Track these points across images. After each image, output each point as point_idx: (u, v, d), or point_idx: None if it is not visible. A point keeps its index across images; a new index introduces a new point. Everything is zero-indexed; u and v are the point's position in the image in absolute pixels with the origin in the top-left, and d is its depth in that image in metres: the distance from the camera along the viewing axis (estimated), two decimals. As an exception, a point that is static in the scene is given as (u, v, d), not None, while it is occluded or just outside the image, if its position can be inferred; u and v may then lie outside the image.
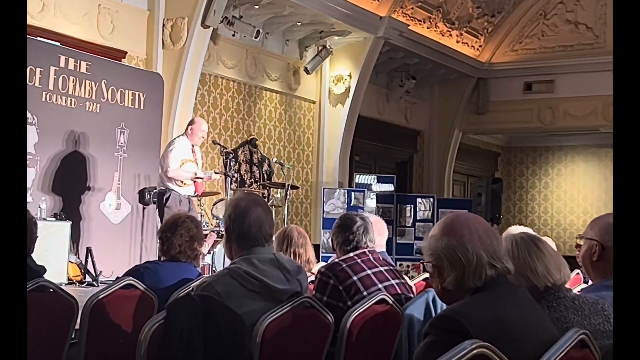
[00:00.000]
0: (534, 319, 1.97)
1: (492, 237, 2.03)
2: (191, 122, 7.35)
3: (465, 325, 1.83)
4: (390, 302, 3.05)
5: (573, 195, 15.55)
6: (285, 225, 8.29)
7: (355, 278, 3.21)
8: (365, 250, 3.39)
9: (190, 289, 3.15)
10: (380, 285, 3.24)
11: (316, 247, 8.95)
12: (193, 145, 7.26)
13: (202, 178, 7.23)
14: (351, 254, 3.35)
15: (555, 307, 2.28)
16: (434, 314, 3.02)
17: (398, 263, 10.41)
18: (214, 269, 7.73)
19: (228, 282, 2.65)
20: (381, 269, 3.35)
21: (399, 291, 3.30)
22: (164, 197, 7.04)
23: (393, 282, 3.33)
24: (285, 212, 8.48)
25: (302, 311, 2.73)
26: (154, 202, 7.21)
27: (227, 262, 2.85)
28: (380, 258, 3.45)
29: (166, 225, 3.65)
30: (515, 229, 4.13)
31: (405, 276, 3.76)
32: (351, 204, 10.05)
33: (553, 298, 2.32)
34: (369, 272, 3.28)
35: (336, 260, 3.36)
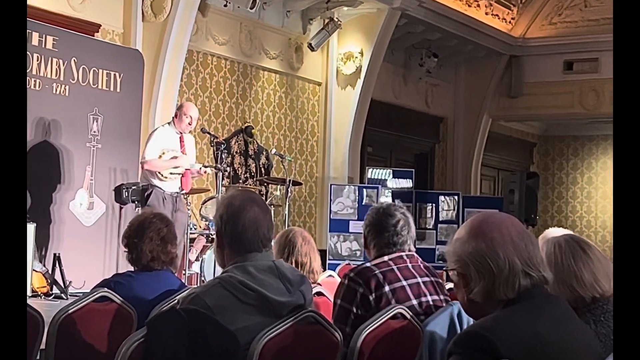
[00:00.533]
0: (576, 336, 1.96)
1: (528, 241, 2.03)
2: (178, 107, 7.36)
3: (494, 343, 1.84)
4: (409, 316, 3.04)
5: (622, 193, 15.53)
6: (287, 227, 8.31)
7: (387, 288, 3.19)
8: (403, 254, 3.35)
9: (175, 301, 3.15)
10: (414, 302, 3.21)
11: (321, 254, 8.95)
12: (182, 135, 7.27)
13: (187, 169, 7.22)
14: (385, 258, 3.31)
15: (602, 322, 2.27)
16: (459, 331, 3.02)
17: (417, 271, 10.41)
18: (202, 279, 7.75)
19: (219, 294, 2.65)
20: (419, 280, 3.30)
21: (434, 310, 3.26)
22: (145, 195, 7.05)
23: (429, 297, 3.29)
24: (286, 212, 8.48)
25: (305, 327, 2.72)
26: (133, 201, 7.21)
27: (219, 270, 2.85)
28: (421, 266, 3.40)
29: (131, 230, 3.63)
30: (554, 232, 4.12)
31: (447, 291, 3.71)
32: (362, 203, 10.06)
33: (601, 311, 2.32)
34: (404, 282, 3.25)
35: (368, 264, 3.31)
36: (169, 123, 7.33)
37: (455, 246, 2.06)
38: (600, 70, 13.53)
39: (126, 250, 3.62)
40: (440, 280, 3.43)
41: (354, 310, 3.15)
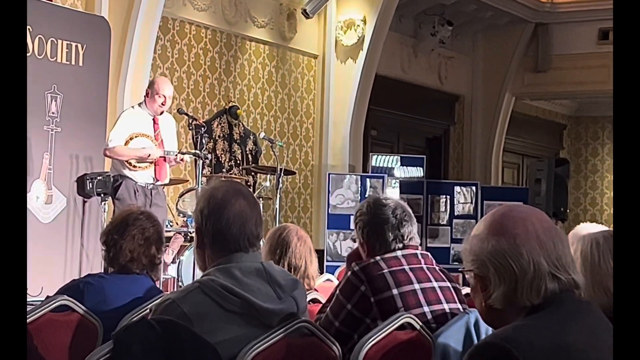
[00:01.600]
0: (610, 348, 1.97)
1: (556, 239, 2.03)
2: (150, 84, 7.32)
3: (516, 356, 1.84)
4: (418, 327, 3.05)
5: (666, 182, 15.57)
6: (277, 224, 8.33)
7: (395, 291, 3.18)
8: (417, 252, 3.33)
9: (147, 310, 3.16)
10: (426, 309, 3.20)
11: (319, 254, 8.96)
12: (156, 118, 7.24)
13: (175, 160, 7.20)
14: (398, 253, 3.29)
15: None
16: (476, 342, 3.02)
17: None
18: (180, 284, 7.76)
19: (199, 300, 2.66)
20: (435, 284, 3.29)
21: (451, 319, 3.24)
22: (114, 186, 7.04)
23: (446, 306, 3.26)
24: (277, 206, 8.49)
25: (298, 339, 2.73)
26: (98, 194, 7.21)
27: (199, 274, 2.86)
28: (437, 268, 3.38)
29: (112, 225, 3.66)
30: (587, 228, 4.13)
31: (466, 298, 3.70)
32: (366, 195, 10.05)
33: None
34: (416, 286, 3.23)
35: (377, 257, 3.27)
36: (139, 104, 7.30)
37: (473, 244, 2.06)
38: (641, 40, 13.52)
39: (104, 248, 3.65)
40: (459, 287, 3.41)
41: (348, 307, 3.15)
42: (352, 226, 3.72)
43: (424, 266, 3.33)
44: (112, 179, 7.14)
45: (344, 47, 11.51)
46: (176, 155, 7.28)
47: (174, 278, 8.02)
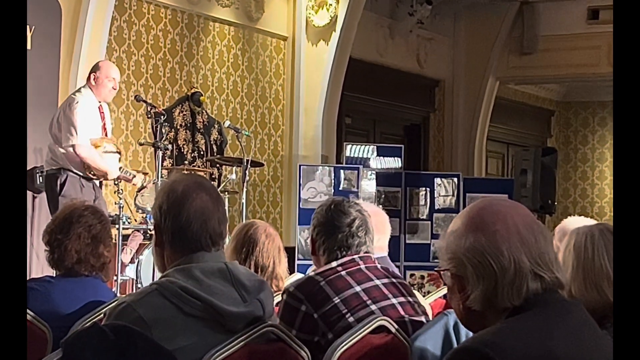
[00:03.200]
0: (597, 351, 1.99)
1: (538, 235, 2.04)
2: (94, 68, 7.24)
3: (496, 362, 1.85)
4: (394, 330, 3.06)
5: (660, 172, 15.70)
6: (244, 219, 8.31)
7: (336, 299, 3.23)
8: (355, 257, 3.40)
9: (101, 315, 3.15)
10: (373, 307, 3.25)
11: (290, 252, 8.96)
12: (100, 105, 7.20)
13: (128, 180, 7.24)
14: (333, 264, 3.36)
15: None
16: (455, 346, 3.04)
17: (408, 273, 10.45)
18: (139, 285, 7.74)
19: (156, 304, 2.65)
20: (377, 282, 3.35)
21: (404, 314, 3.31)
22: (58, 182, 6.97)
23: (394, 300, 3.33)
24: (244, 200, 8.48)
25: (265, 345, 2.73)
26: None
27: (159, 276, 2.86)
28: (378, 267, 3.45)
29: (55, 224, 3.62)
30: (576, 221, 4.17)
31: (416, 292, 3.77)
32: (340, 188, 10.06)
33: None
34: (357, 288, 3.29)
35: (312, 273, 3.36)
36: (83, 87, 7.21)
37: (449, 241, 2.07)
38: (633, 20, 13.61)
39: (47, 249, 3.61)
40: (406, 282, 3.48)
41: (294, 333, 3.15)
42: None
43: (362, 266, 3.38)
44: (52, 173, 7.03)
45: (315, 28, 11.50)
46: (131, 176, 7.33)
47: (132, 279, 7.99)
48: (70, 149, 6.94)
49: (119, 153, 7.33)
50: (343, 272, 3.32)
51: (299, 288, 3.27)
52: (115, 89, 7.20)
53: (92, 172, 7.05)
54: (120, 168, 7.28)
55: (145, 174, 7.50)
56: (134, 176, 7.46)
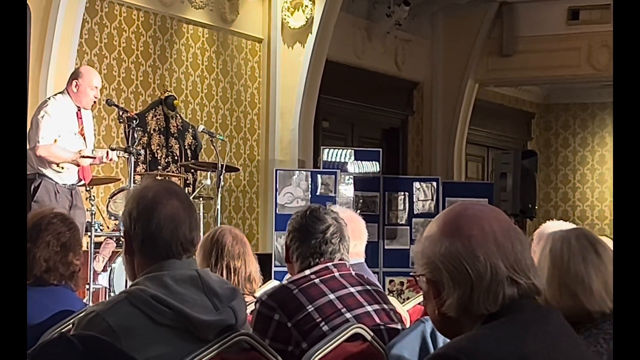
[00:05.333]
0: (574, 358, 1.99)
1: (515, 240, 2.05)
2: (75, 75, 7.26)
3: (472, 370, 1.85)
4: (369, 337, 3.06)
5: (642, 174, 15.78)
6: (219, 225, 8.29)
7: (310, 308, 3.23)
8: (329, 264, 3.40)
9: (70, 324, 3.13)
10: (348, 315, 3.24)
11: (266, 259, 8.96)
12: (80, 110, 7.19)
13: (92, 157, 7.15)
14: (307, 272, 3.36)
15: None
16: (433, 353, 3.05)
17: (387, 279, 10.46)
18: (112, 294, 7.70)
19: (126, 312, 2.65)
20: (352, 290, 3.35)
21: (379, 321, 3.31)
22: (32, 187, 6.95)
23: (369, 308, 3.33)
24: (218, 206, 8.46)
25: (237, 355, 2.72)
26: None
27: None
28: (353, 274, 3.45)
29: None
30: (555, 225, 4.18)
31: (392, 299, 3.77)
32: (317, 193, 10.07)
33: (612, 327, 2.36)
34: (331, 296, 3.29)
35: (284, 282, 3.35)
36: (61, 93, 7.23)
37: (425, 246, 2.08)
38: (612, 21, 13.68)
39: None
40: (381, 290, 3.50)
41: (267, 343, 3.16)
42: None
43: (336, 274, 3.38)
44: (28, 179, 7.01)
45: (291, 30, 11.50)
46: (106, 153, 7.24)
47: (105, 288, 7.95)
48: (31, 151, 6.93)
49: (84, 137, 7.22)
50: (317, 280, 3.33)
51: (271, 297, 3.27)
52: (96, 97, 7.22)
53: (63, 167, 7.02)
54: (94, 151, 7.21)
55: (113, 149, 7.42)
56: (107, 153, 7.34)
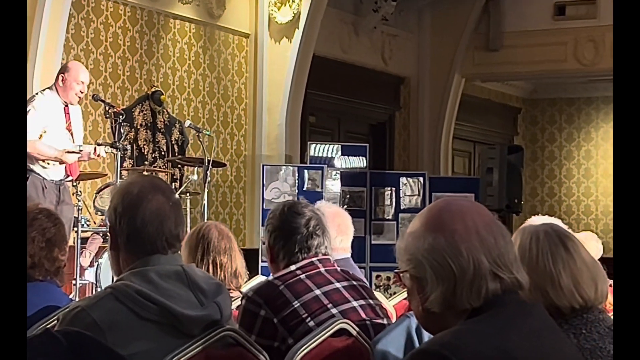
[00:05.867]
0: (556, 353, 2.00)
1: (498, 235, 2.05)
2: (63, 69, 7.24)
3: (455, 364, 1.85)
4: (355, 333, 3.06)
5: (627, 169, 15.80)
6: (206, 221, 8.28)
7: (296, 303, 3.22)
8: (314, 259, 3.39)
9: (55, 319, 3.12)
10: (334, 311, 3.24)
11: (253, 254, 8.96)
12: (67, 105, 7.16)
13: (77, 153, 7.13)
14: (292, 267, 3.35)
15: (585, 335, 2.32)
16: (418, 348, 3.05)
17: (374, 274, 10.47)
18: (99, 289, 7.69)
19: (111, 308, 2.65)
20: (337, 285, 3.35)
21: (365, 316, 3.31)
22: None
23: (355, 303, 3.33)
24: (205, 202, 8.45)
25: (222, 350, 2.71)
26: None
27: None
28: (338, 270, 3.44)
29: None
30: (540, 220, 4.18)
31: (379, 294, 3.77)
32: (304, 188, 10.07)
33: (581, 323, 2.37)
34: (317, 292, 3.28)
35: (270, 278, 3.35)
36: (49, 88, 7.21)
37: (408, 242, 2.08)
38: (599, 16, 13.72)
39: None
40: (366, 285, 3.49)
41: (253, 339, 3.15)
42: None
43: (322, 269, 3.38)
44: None
45: (278, 25, 11.49)
46: (94, 149, 7.20)
47: (92, 283, 7.94)
48: None
49: (71, 133, 7.19)
50: (302, 276, 3.32)
51: (257, 292, 3.26)
52: (82, 92, 7.18)
53: (48, 162, 7.00)
54: (81, 147, 7.17)
55: (99, 145, 7.39)
56: (95, 149, 7.29)
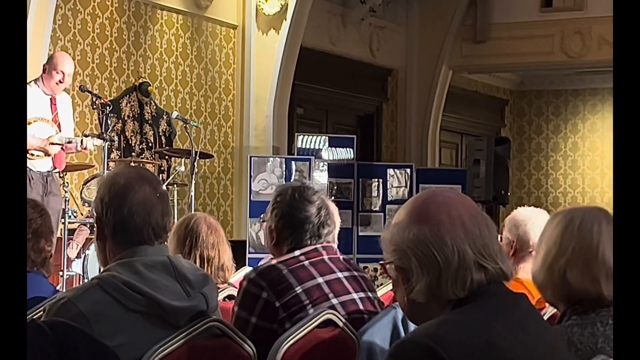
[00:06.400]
0: (542, 343, 2.01)
1: (482, 226, 2.06)
2: (48, 60, 7.22)
3: (440, 355, 1.86)
4: (341, 324, 3.06)
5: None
6: (193, 212, 8.27)
7: (299, 289, 3.21)
8: (318, 246, 3.36)
9: (41, 310, 3.12)
10: (334, 301, 3.24)
11: (240, 245, 8.96)
12: (53, 98, 7.13)
13: (60, 144, 7.09)
14: (296, 253, 3.32)
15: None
16: (403, 339, 3.05)
17: (361, 265, 10.46)
18: (86, 280, 7.67)
19: (97, 298, 2.65)
20: (339, 275, 3.33)
21: (362, 309, 3.31)
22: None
23: (355, 295, 3.32)
24: (193, 193, 8.44)
25: (208, 340, 2.71)
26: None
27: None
28: (340, 258, 3.42)
29: None
30: (527, 212, 4.20)
31: (377, 288, 3.75)
32: (291, 179, 10.06)
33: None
34: (319, 279, 3.27)
35: (273, 261, 3.31)
36: (35, 81, 7.18)
37: (393, 233, 2.08)
38: (586, 8, 13.75)
39: None
40: (366, 276, 3.47)
41: (253, 320, 3.15)
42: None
43: (325, 257, 3.36)
44: None
45: (265, 17, 11.47)
46: (80, 141, 7.18)
47: (79, 274, 7.93)
48: None
49: (57, 125, 7.15)
50: (306, 263, 3.29)
51: (261, 275, 3.23)
52: (62, 82, 7.12)
53: (33, 154, 6.97)
54: (68, 140, 7.13)
55: (87, 136, 7.35)
56: (82, 141, 7.25)
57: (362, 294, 3.35)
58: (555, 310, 3.57)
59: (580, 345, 2.28)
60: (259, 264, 5.29)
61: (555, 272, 2.46)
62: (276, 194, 3.48)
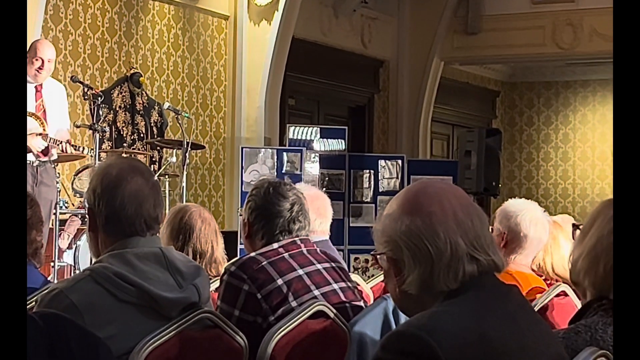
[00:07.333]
0: (533, 335, 2.01)
1: (474, 217, 2.06)
2: (29, 48, 7.12)
3: (432, 346, 1.86)
4: (332, 315, 3.06)
5: (604, 153, 15.92)
6: (185, 203, 8.26)
7: (280, 281, 3.22)
8: (296, 239, 3.40)
9: (33, 302, 3.12)
10: (316, 292, 3.25)
11: (232, 237, 8.95)
12: (39, 86, 7.08)
13: (44, 140, 7.00)
14: (275, 245, 3.35)
15: None
16: (394, 330, 3.06)
17: (353, 257, 10.49)
18: (77, 271, 7.67)
19: (89, 289, 2.65)
20: (319, 266, 3.36)
21: (344, 299, 3.33)
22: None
23: (335, 285, 3.35)
24: (184, 183, 8.44)
25: (200, 332, 2.72)
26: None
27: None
28: (318, 251, 3.45)
29: None
30: (518, 203, 4.20)
31: (357, 277, 3.77)
32: (283, 170, 10.06)
33: None
34: (300, 272, 3.29)
35: (252, 254, 3.33)
36: None
37: (385, 224, 2.08)
38: (577, 0, 13.75)
39: None
40: (344, 267, 3.50)
41: (236, 314, 3.16)
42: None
43: (304, 249, 3.39)
44: None
45: (257, 7, 11.45)
46: (61, 143, 7.07)
47: (70, 265, 7.92)
48: None
49: (43, 118, 7.09)
50: (286, 255, 3.32)
51: (241, 267, 3.24)
52: (42, 69, 6.99)
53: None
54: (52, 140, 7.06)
55: (78, 127, 7.29)
56: (65, 146, 7.13)
57: (342, 284, 3.37)
58: (544, 302, 3.59)
59: (603, 343, 2.24)
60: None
61: (602, 263, 2.35)
62: (253, 188, 3.52)
